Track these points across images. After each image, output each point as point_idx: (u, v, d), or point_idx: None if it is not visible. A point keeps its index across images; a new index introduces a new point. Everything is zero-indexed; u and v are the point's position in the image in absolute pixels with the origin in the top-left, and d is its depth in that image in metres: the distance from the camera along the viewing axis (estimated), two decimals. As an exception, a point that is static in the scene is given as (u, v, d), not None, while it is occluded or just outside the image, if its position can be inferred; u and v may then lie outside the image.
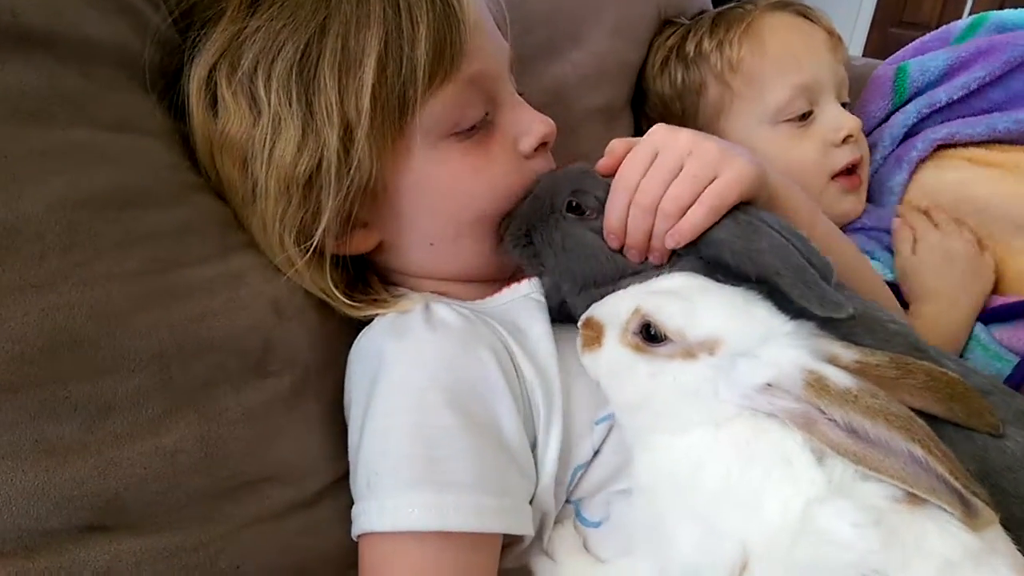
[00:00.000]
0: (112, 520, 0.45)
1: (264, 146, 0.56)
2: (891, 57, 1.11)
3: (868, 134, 1.05)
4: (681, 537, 0.47)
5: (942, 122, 1.00)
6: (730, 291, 0.53)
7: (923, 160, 0.99)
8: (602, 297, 0.57)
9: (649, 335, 0.51)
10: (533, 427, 0.57)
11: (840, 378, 0.45)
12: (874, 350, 0.50)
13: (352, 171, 0.57)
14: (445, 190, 0.62)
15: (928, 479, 0.40)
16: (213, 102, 0.58)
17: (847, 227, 0.98)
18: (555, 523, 0.58)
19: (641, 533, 0.52)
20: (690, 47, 0.97)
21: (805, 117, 0.93)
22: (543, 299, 0.64)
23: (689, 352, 0.50)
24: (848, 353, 0.49)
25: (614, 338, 0.53)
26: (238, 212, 0.60)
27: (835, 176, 0.94)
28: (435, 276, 0.67)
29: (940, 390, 0.49)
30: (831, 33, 0.97)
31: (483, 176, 0.62)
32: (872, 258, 0.94)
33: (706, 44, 0.96)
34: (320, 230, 0.57)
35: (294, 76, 0.55)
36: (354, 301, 0.62)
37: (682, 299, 0.52)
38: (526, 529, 0.54)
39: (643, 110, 1.05)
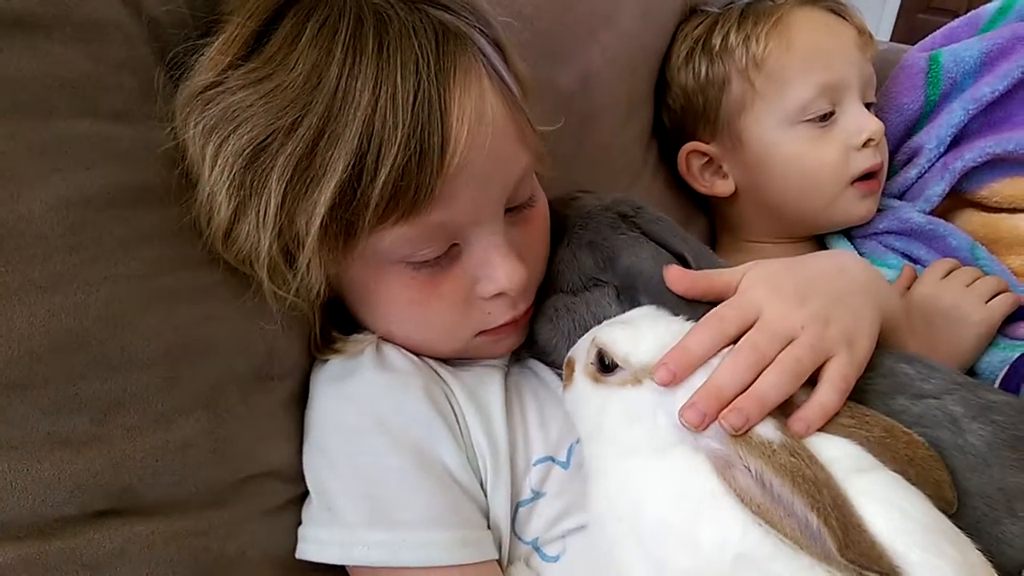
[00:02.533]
0: (125, 505, 0.49)
1: (206, 207, 0.54)
2: (919, 44, 1.08)
3: (905, 129, 1.03)
4: (633, 570, 0.48)
5: (989, 122, 0.98)
6: (686, 323, 0.54)
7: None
8: None
9: (603, 364, 0.53)
10: (480, 478, 0.60)
11: (765, 430, 0.46)
12: None
13: (297, 276, 0.55)
14: (382, 308, 0.61)
15: (822, 547, 0.41)
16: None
17: (859, 232, 0.97)
18: (509, 563, 0.60)
19: (597, 565, 0.53)
20: (716, 40, 0.96)
21: (826, 118, 0.91)
22: (504, 366, 0.67)
23: (636, 378, 0.51)
24: (802, 392, 0.50)
25: (580, 371, 0.56)
26: None
27: (854, 181, 0.92)
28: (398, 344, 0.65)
29: (897, 450, 0.48)
30: (862, 31, 0.94)
31: (416, 311, 0.60)
32: (886, 266, 0.94)
33: (732, 38, 0.94)
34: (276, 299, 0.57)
35: (245, 161, 0.52)
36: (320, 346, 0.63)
37: (631, 327, 0.54)
38: (487, 555, 0.57)
39: (664, 100, 1.04)
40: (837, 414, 0.49)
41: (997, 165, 0.97)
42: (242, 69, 0.52)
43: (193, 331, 0.53)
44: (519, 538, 0.61)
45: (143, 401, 0.50)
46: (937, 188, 0.98)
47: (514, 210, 0.62)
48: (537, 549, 0.61)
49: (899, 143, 1.05)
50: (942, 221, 0.97)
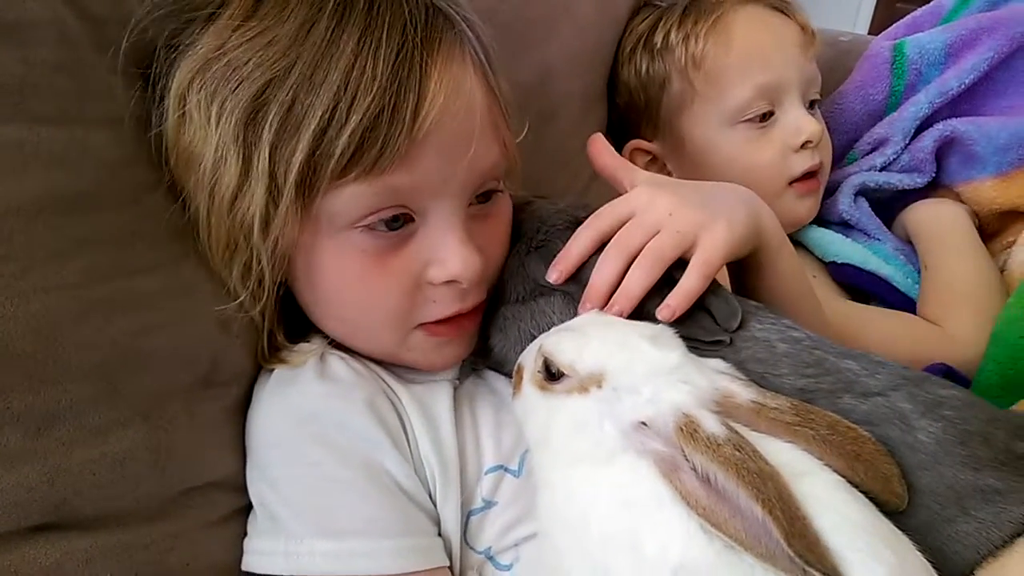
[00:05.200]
0: (62, 520, 0.48)
1: (212, 175, 0.55)
2: (883, 33, 1.08)
3: (870, 118, 1.04)
4: None
5: (955, 115, 0.98)
6: (634, 326, 0.54)
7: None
8: None
9: (549, 372, 0.53)
10: (429, 488, 0.59)
11: (711, 426, 0.45)
12: (777, 394, 0.51)
13: (276, 234, 0.55)
14: (327, 286, 0.60)
15: (768, 544, 0.40)
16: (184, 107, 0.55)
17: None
18: (462, 574, 0.59)
19: (546, 574, 0.53)
20: (658, 37, 0.96)
21: (766, 118, 0.91)
22: (454, 379, 0.65)
23: (582, 386, 0.51)
24: (747, 392, 0.50)
25: (528, 379, 0.55)
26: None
27: (792, 182, 0.92)
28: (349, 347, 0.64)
29: (843, 446, 0.48)
30: (804, 29, 0.94)
31: (361, 290, 0.59)
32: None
33: (673, 36, 0.94)
34: (254, 278, 0.57)
35: (245, 116, 0.53)
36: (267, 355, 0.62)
37: (578, 334, 0.53)
38: (436, 562, 0.56)
39: (612, 97, 1.04)
40: (782, 412, 0.48)
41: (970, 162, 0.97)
42: (240, 30, 0.54)
43: (131, 341, 0.52)
44: (471, 548, 0.60)
45: (78, 414, 0.49)
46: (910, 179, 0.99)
47: (478, 204, 0.62)
48: (490, 558, 0.60)
49: (864, 132, 1.05)
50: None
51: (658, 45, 0.96)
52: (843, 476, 0.47)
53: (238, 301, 0.58)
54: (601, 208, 0.62)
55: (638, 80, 0.98)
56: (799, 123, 0.91)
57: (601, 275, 0.59)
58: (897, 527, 0.46)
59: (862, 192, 1.02)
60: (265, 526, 0.57)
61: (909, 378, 0.54)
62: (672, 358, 0.51)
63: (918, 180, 0.99)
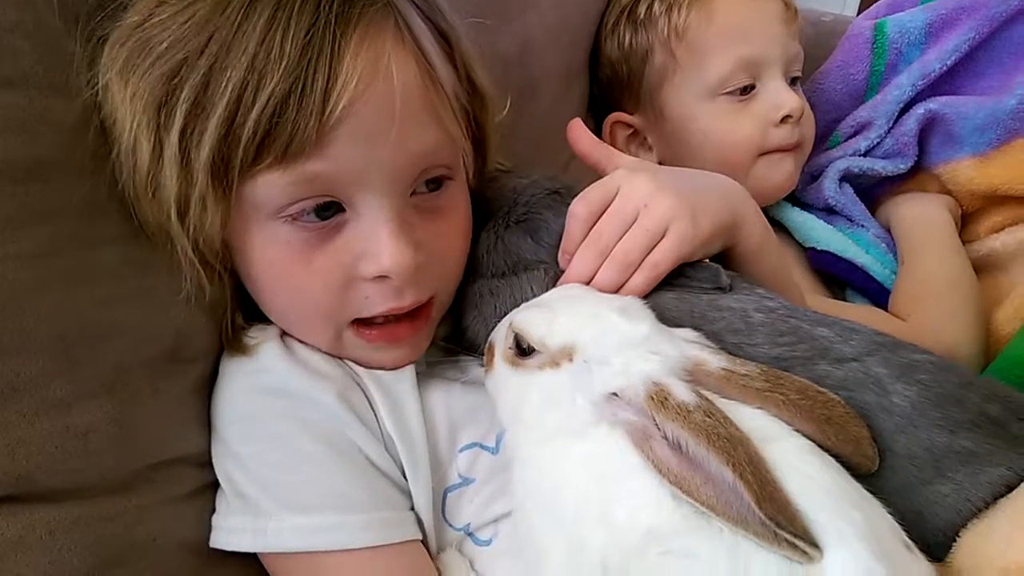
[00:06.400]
0: (24, 492, 0.47)
1: (130, 155, 0.52)
2: (864, 12, 1.07)
3: (851, 98, 1.04)
4: (552, 553, 0.48)
5: (934, 94, 0.98)
6: (604, 299, 0.54)
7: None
8: None
9: (520, 348, 0.52)
10: (399, 464, 0.58)
11: (682, 393, 0.45)
12: (747, 361, 0.50)
13: (194, 221, 0.53)
14: (259, 275, 0.58)
15: (739, 508, 0.40)
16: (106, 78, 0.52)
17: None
18: (441, 550, 0.59)
19: (520, 550, 0.52)
20: (641, 9, 0.96)
21: (746, 92, 0.91)
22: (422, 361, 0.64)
23: (554, 361, 0.51)
24: (717, 359, 0.50)
25: (499, 356, 0.55)
26: None
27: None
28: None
29: (813, 410, 0.47)
30: (788, 5, 0.94)
31: (289, 283, 0.57)
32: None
33: (656, 7, 0.94)
34: (186, 262, 0.55)
35: (158, 97, 0.50)
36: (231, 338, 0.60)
37: (547, 309, 0.53)
38: (407, 535, 0.56)
39: (595, 71, 1.03)
40: (752, 378, 0.48)
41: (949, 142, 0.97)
42: (163, 5, 0.51)
43: (93, 313, 0.51)
44: (450, 524, 0.59)
45: (39, 386, 0.48)
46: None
47: (423, 194, 0.59)
48: (470, 535, 0.60)
49: (846, 112, 1.04)
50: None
51: (641, 17, 0.96)
52: (814, 440, 0.46)
53: (188, 283, 0.56)
54: (587, 190, 0.62)
55: (621, 52, 0.98)
56: (779, 97, 0.91)
57: (575, 271, 0.60)
58: (876, 490, 0.46)
59: (846, 178, 1.01)
60: (233, 503, 0.56)
61: (883, 343, 0.54)
62: (642, 329, 0.51)
63: (901, 166, 0.98)
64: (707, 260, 0.61)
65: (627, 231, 0.59)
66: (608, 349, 0.49)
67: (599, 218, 0.60)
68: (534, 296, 0.60)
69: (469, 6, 0.69)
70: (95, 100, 0.53)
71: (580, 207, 0.61)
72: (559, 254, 0.62)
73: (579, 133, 0.69)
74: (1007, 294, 0.87)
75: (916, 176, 1.00)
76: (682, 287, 0.59)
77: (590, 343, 0.50)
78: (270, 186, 0.52)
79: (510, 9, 0.88)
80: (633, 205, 0.59)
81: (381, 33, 0.53)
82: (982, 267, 0.94)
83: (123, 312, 0.53)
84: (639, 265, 0.58)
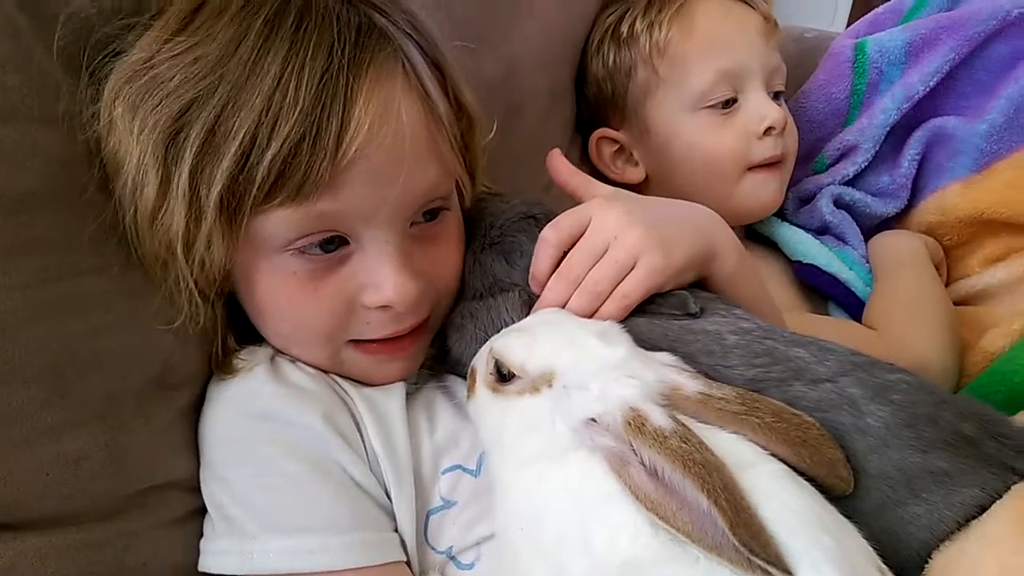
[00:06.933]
0: (16, 520, 0.48)
1: (134, 189, 0.54)
2: (845, 31, 1.09)
3: (834, 117, 1.05)
4: None
5: (918, 116, 1.00)
6: (582, 324, 0.54)
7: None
8: None
9: (501, 374, 0.53)
10: (384, 486, 0.59)
11: (659, 419, 0.45)
12: (723, 384, 0.51)
13: (200, 254, 0.54)
14: (264, 303, 0.60)
15: (714, 535, 0.40)
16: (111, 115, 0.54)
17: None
18: (423, 573, 0.60)
19: (503, 574, 0.53)
20: (624, 27, 0.97)
21: (728, 104, 0.92)
22: (411, 383, 0.65)
23: (534, 386, 0.51)
24: (694, 383, 0.50)
25: (481, 382, 0.55)
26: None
27: (752, 168, 0.93)
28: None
29: (788, 432, 0.48)
30: (767, 18, 0.95)
31: (293, 307, 0.59)
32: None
33: (638, 25, 0.95)
34: (186, 292, 0.56)
35: (166, 135, 0.52)
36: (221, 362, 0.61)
37: (527, 335, 0.54)
38: (392, 557, 0.56)
39: (582, 90, 1.05)
40: (728, 402, 0.49)
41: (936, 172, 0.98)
42: (170, 43, 0.53)
43: (82, 343, 0.52)
44: (432, 548, 0.60)
45: (30, 415, 0.49)
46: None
47: (420, 224, 0.61)
48: (452, 558, 0.60)
49: (829, 132, 1.06)
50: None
51: (624, 35, 0.97)
52: (789, 463, 0.47)
53: (181, 313, 0.57)
54: (558, 218, 0.63)
55: (605, 70, 0.99)
56: (762, 110, 0.92)
57: (546, 300, 0.61)
58: (850, 511, 0.47)
59: (838, 204, 1.02)
60: (220, 526, 0.57)
61: (858, 363, 0.55)
62: (620, 353, 0.51)
63: (891, 208, 1.00)
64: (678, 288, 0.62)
65: (598, 262, 0.60)
66: (586, 374, 0.50)
67: (569, 245, 0.61)
68: (509, 318, 0.61)
69: (456, 30, 0.71)
70: (94, 134, 0.54)
71: (550, 233, 0.61)
72: (529, 278, 0.63)
73: (557, 163, 0.70)
74: (1001, 321, 0.86)
75: (903, 219, 1.02)
76: (652, 313, 0.59)
77: (569, 368, 0.51)
78: (280, 222, 0.54)
79: (496, 33, 0.89)
80: (604, 237, 0.60)
81: (391, 77, 0.55)
82: (976, 300, 0.95)
83: (113, 341, 0.54)
84: (609, 295, 0.59)
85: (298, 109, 0.50)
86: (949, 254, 0.99)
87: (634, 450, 0.45)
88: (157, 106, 0.52)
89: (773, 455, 0.47)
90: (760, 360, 0.55)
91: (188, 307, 0.57)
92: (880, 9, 1.09)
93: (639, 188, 1.02)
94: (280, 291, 0.58)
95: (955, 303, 0.95)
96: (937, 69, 0.96)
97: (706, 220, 0.67)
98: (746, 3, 0.96)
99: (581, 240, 0.61)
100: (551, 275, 0.61)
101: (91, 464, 0.52)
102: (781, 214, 1.04)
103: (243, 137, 0.50)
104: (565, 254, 0.61)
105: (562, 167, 0.70)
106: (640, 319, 0.59)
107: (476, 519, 0.60)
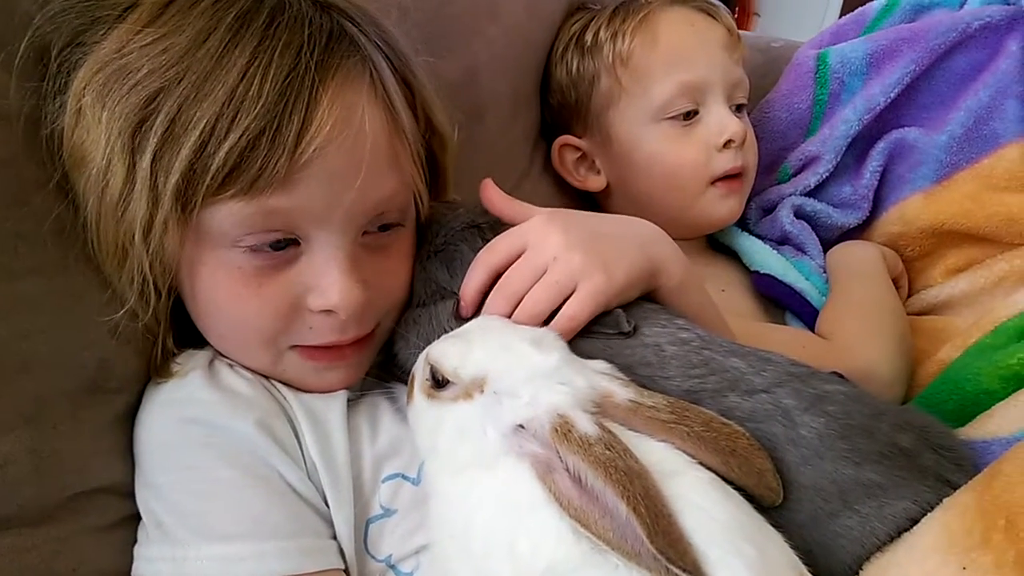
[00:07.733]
0: None
1: (100, 178, 0.53)
2: (809, 42, 1.10)
3: (797, 127, 1.05)
4: None
5: (880, 127, 1.00)
6: (518, 330, 0.54)
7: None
8: None
9: (436, 380, 0.53)
10: (322, 492, 0.58)
11: (585, 426, 0.45)
12: (655, 393, 0.51)
13: (155, 243, 0.54)
14: (207, 299, 0.59)
15: (633, 543, 0.40)
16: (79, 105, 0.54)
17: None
18: None
19: None
20: (588, 36, 0.98)
21: (689, 117, 0.92)
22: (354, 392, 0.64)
23: (467, 392, 0.51)
24: (625, 391, 0.50)
25: (418, 389, 0.55)
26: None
27: (714, 181, 0.93)
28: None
29: (717, 442, 0.48)
30: (731, 32, 0.96)
31: (236, 304, 0.58)
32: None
33: (602, 34, 0.96)
34: (139, 285, 0.55)
35: (133, 122, 0.52)
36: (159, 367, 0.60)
37: (462, 340, 0.53)
38: (329, 564, 0.56)
39: (546, 97, 1.05)
40: (658, 410, 0.49)
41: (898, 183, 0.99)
42: (140, 34, 0.53)
43: (12, 345, 0.51)
44: (372, 556, 0.59)
45: (-47, 417, 0.48)
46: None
47: (373, 234, 0.61)
48: (392, 566, 0.60)
49: (792, 141, 1.06)
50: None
51: (588, 43, 0.97)
52: (718, 472, 0.47)
53: (126, 309, 0.56)
54: (494, 241, 0.63)
55: (569, 78, 1.00)
56: (722, 123, 0.92)
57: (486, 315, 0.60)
58: (783, 522, 0.47)
59: (799, 215, 1.03)
60: (152, 532, 0.56)
61: (795, 374, 0.55)
62: (552, 360, 0.51)
63: (852, 219, 1.01)
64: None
65: (537, 281, 0.59)
66: (518, 380, 0.50)
67: (504, 268, 0.61)
68: (447, 326, 0.61)
69: (415, 32, 0.70)
70: (58, 128, 0.54)
71: (485, 254, 0.62)
72: (460, 297, 0.62)
73: (490, 193, 0.69)
74: (959, 334, 0.86)
75: (865, 230, 1.03)
76: (588, 332, 0.58)
77: (501, 374, 0.50)
78: (231, 214, 0.54)
79: (456, 36, 0.89)
80: (543, 259, 0.60)
81: (357, 84, 0.56)
82: (939, 311, 0.95)
83: (43, 343, 0.53)
84: (547, 317, 0.58)
85: (260, 103, 0.51)
86: (911, 265, 1.00)
87: (560, 457, 0.45)
88: (125, 95, 0.52)
89: (702, 464, 0.47)
90: (697, 371, 0.55)
91: (139, 298, 0.56)
92: (843, 20, 1.10)
93: (601, 195, 1.03)
94: (223, 286, 0.57)
95: (918, 314, 0.96)
96: (898, 80, 0.97)
97: (648, 235, 0.67)
98: (710, 16, 0.97)
99: (520, 259, 0.61)
100: (479, 296, 0.61)
101: (18, 468, 0.51)
102: (743, 224, 1.05)
103: (203, 127, 0.51)
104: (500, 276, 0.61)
105: (495, 197, 0.69)
106: (578, 339, 0.58)
107: (416, 528, 0.59)
